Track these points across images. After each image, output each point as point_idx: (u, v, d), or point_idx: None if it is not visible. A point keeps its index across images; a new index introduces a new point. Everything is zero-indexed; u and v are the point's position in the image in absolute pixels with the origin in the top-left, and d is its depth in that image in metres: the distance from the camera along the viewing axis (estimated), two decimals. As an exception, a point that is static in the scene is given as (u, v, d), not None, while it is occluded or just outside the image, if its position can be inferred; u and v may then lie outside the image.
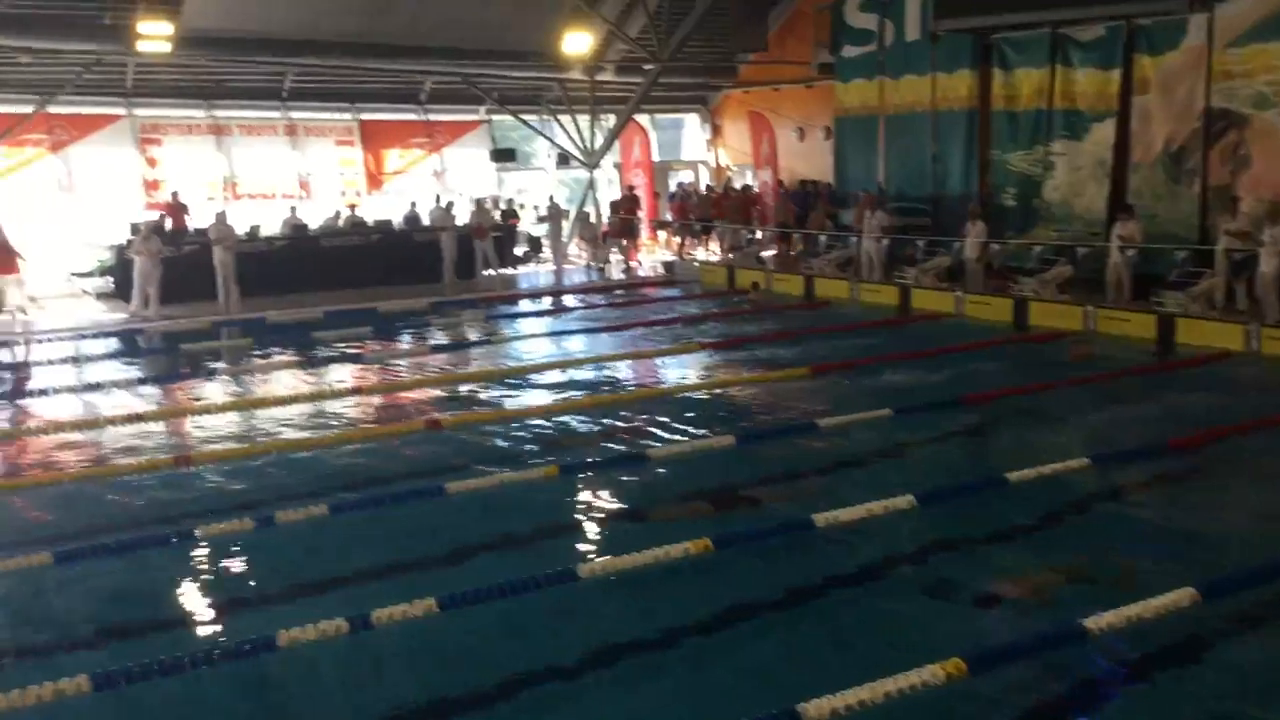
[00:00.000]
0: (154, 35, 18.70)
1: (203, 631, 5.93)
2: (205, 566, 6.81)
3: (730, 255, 23.11)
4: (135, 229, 18.68)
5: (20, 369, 14.13)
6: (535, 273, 23.68)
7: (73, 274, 21.30)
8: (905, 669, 4.80)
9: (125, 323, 17.54)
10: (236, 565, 6.81)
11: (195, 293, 18.44)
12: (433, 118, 25.67)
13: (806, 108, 24.90)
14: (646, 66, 23.38)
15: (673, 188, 27.81)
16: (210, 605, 6.24)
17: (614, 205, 25.36)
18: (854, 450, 9.31)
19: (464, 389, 12.06)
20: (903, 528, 7.14)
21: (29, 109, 20.06)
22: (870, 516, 7.10)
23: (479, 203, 22.62)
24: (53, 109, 20.65)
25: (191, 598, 6.41)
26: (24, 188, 21.25)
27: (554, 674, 5.28)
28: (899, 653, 5.14)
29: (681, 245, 25.14)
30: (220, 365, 13.95)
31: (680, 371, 12.84)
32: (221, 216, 19.25)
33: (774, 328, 15.83)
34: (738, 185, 26.10)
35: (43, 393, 12.15)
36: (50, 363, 14.27)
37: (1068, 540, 7.14)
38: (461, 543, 7.08)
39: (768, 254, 22.65)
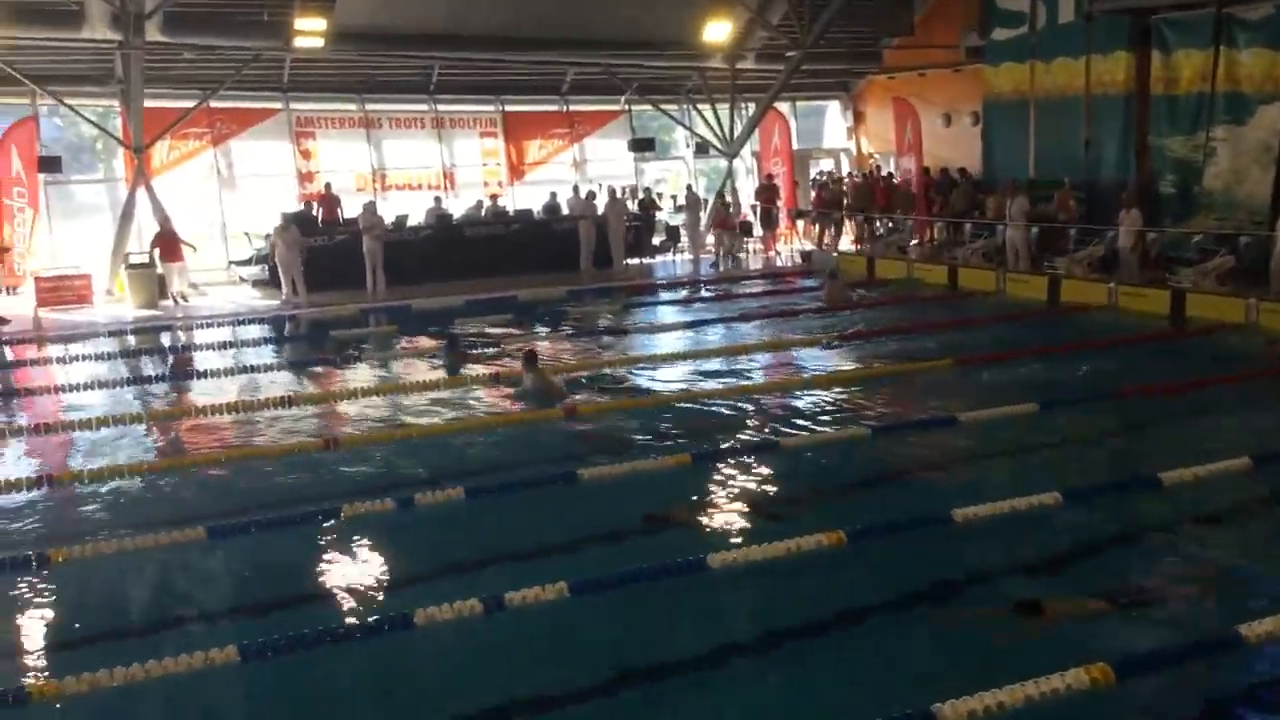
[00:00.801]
0: (309, 31, 19.37)
1: (345, 607, 6.09)
2: (349, 545, 6.98)
3: (870, 245, 22.69)
4: (284, 219, 19.48)
5: (179, 352, 14.86)
6: (672, 261, 23.68)
7: (231, 262, 22.27)
8: (1048, 672, 4.62)
9: (277, 309, 18.25)
10: (378, 545, 6.97)
11: (346, 280, 19.09)
12: (573, 108, 25.91)
13: (953, 93, 24.22)
14: (788, 54, 23.09)
15: (813, 176, 27.45)
16: (351, 583, 6.40)
17: (755, 193, 25.20)
18: (996, 445, 9.02)
19: (597, 374, 12.15)
20: (1047, 524, 6.88)
21: (191, 104, 20.98)
22: (1013, 513, 6.87)
23: (612, 193, 22.77)
24: (214, 103, 21.56)
25: (334, 574, 6.59)
26: (187, 179, 22.29)
27: (684, 664, 5.26)
28: (1041, 655, 4.95)
29: (821, 235, 24.80)
30: (367, 350, 14.36)
31: (814, 362, 12.64)
32: (370, 207, 19.91)
33: (916, 319, 15.46)
34: (880, 173, 25.59)
35: (200, 375, 12.74)
36: (206, 347, 14.94)
37: (1223, 543, 6.77)
38: (594, 528, 7.12)
39: (911, 244, 22.14)
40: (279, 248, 18.76)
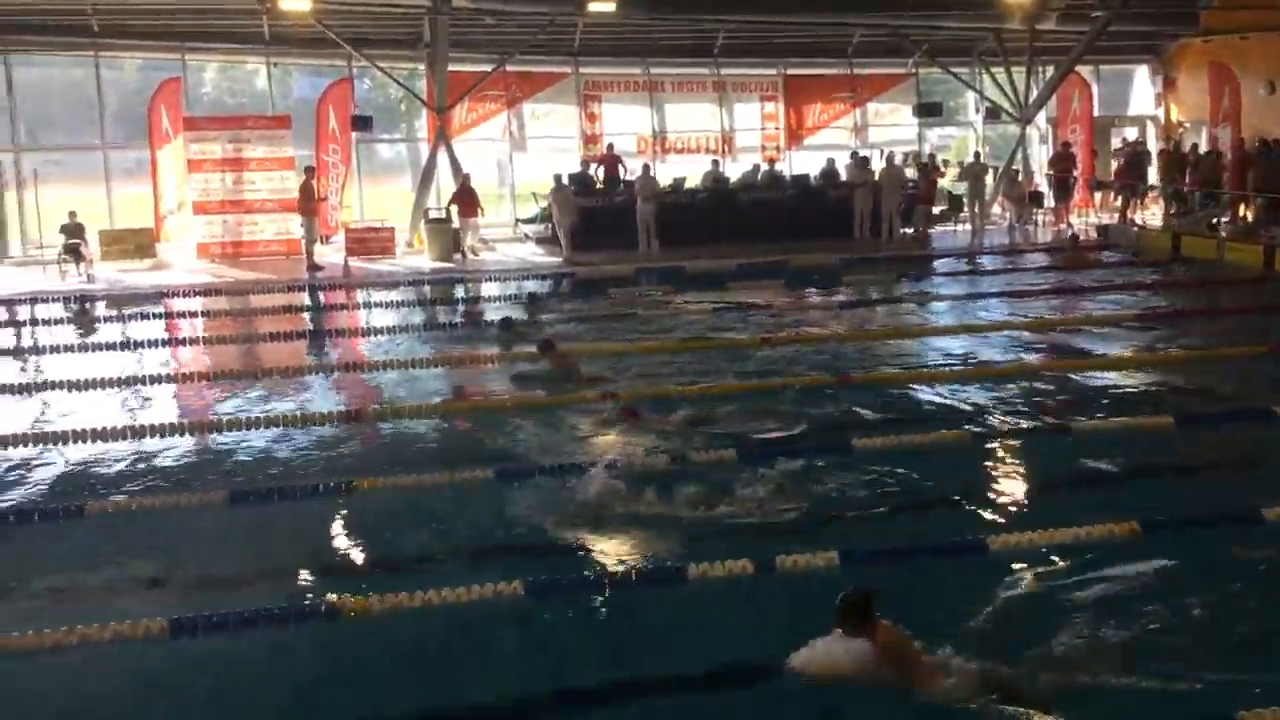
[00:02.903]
0: (602, -5, 19.80)
1: (618, 551, 6.25)
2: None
3: (1179, 221, 21.01)
4: (557, 180, 20.20)
5: (469, 303, 15.71)
6: (953, 232, 22.83)
7: (518, 220, 23.30)
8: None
9: (557, 266, 18.94)
10: (647, 499, 7.06)
11: (617, 240, 19.59)
12: (857, 71, 25.34)
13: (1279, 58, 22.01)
14: (1094, 14, 21.65)
15: (1115, 145, 25.68)
16: (620, 532, 6.53)
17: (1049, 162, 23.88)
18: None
19: (871, 346, 11.90)
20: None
21: (489, 67, 21.98)
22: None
23: (890, 159, 22.14)
24: (509, 67, 22.50)
25: (592, 522, 6.71)
26: (481, 141, 23.44)
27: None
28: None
29: (1125, 208, 23.19)
30: (639, 308, 14.64)
31: (1108, 343, 11.82)
32: (645, 170, 20.32)
33: (1225, 303, 14.23)
34: (1190, 144, 23.64)
35: (486, 324, 13.39)
36: (488, 299, 15.73)
37: None
38: (866, 499, 6.98)
39: (1222, 221, 20.37)
40: (554, 208, 19.53)
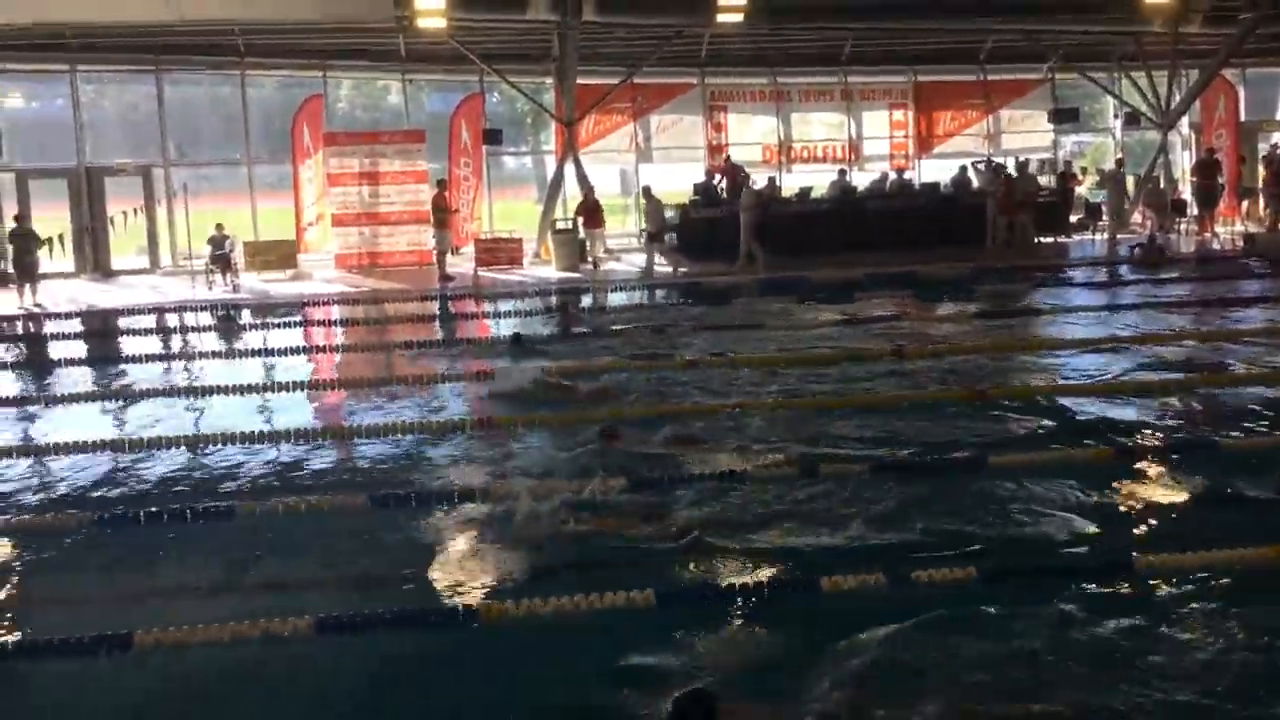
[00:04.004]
0: (731, 7, 19.84)
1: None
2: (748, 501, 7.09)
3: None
4: (646, 191, 20.31)
5: (595, 311, 15.91)
6: (1091, 241, 22.13)
7: (643, 230, 23.41)
8: None
9: (680, 276, 19.00)
10: (782, 508, 7.04)
11: (732, 251, 19.49)
12: (990, 77, 24.81)
13: None
14: (1241, 16, 20.76)
15: (1263, 151, 24.56)
16: (753, 544, 6.51)
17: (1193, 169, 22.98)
18: None
19: (1006, 359, 11.60)
20: None
21: (616, 80, 22.22)
22: None
23: (1022, 167, 21.56)
24: (636, 79, 22.70)
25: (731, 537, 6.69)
26: (607, 152, 23.69)
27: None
28: None
29: (1275, 218, 22.14)
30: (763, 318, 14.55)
31: (1257, 357, 11.29)
32: (744, 180, 20.15)
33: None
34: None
35: (611, 332, 13.54)
36: (619, 307, 15.88)
37: None
38: (1003, 517, 6.81)
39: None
40: (646, 218, 19.71)
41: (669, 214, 21.89)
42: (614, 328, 13.98)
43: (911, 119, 24.71)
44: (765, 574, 6.01)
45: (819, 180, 22.71)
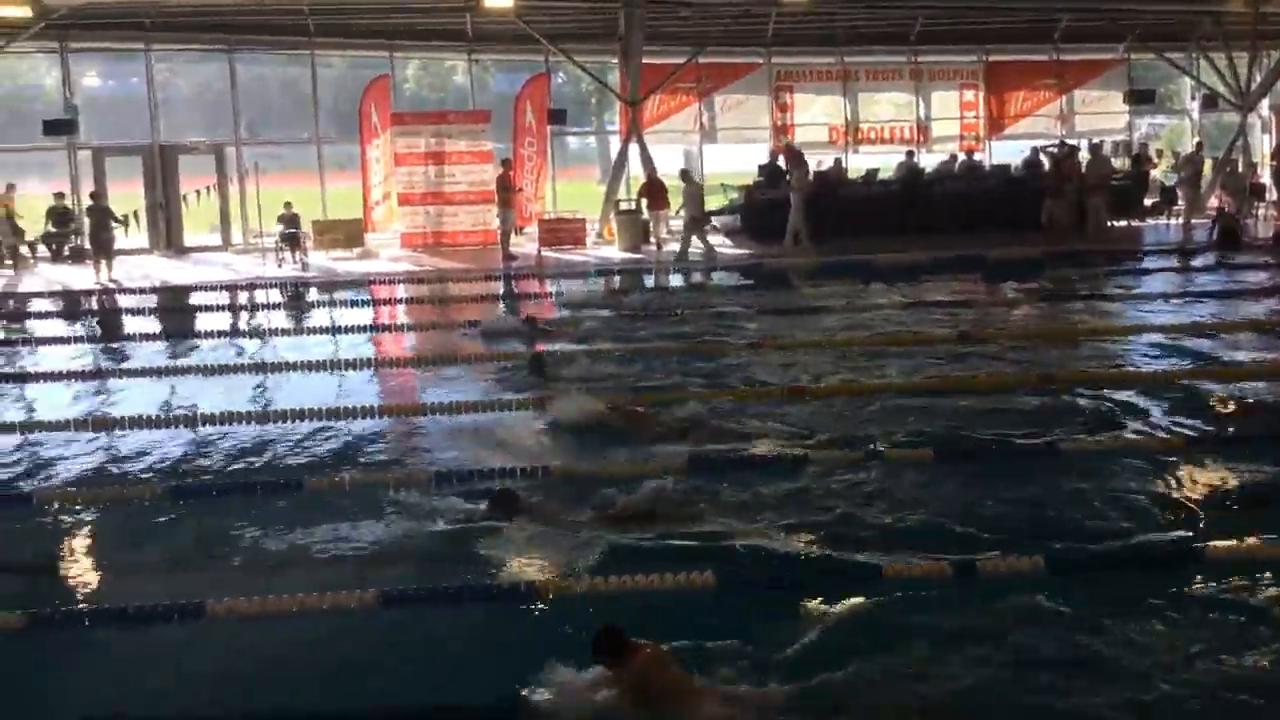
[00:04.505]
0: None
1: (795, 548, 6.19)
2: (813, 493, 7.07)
3: None
4: (684, 174, 20.24)
5: (659, 292, 15.99)
6: (1165, 226, 21.61)
7: (707, 211, 23.34)
8: None
9: (743, 257, 18.92)
10: (844, 498, 6.98)
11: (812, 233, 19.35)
12: (1064, 57, 24.30)
13: None
14: (1329, -9, 20.14)
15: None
16: (811, 531, 6.47)
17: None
18: None
19: (1073, 345, 11.40)
20: None
21: (681, 59, 22.10)
22: None
23: (1095, 149, 21.09)
24: (701, 59, 22.56)
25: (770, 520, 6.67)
26: (670, 132, 23.61)
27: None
28: None
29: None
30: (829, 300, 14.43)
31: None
32: (796, 161, 19.88)
33: None
34: None
35: (673, 313, 13.57)
36: (681, 288, 15.85)
37: None
38: (1075, 504, 6.68)
39: None
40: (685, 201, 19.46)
41: (733, 195, 21.82)
42: (677, 311, 13.94)
43: (982, 99, 24.30)
44: (828, 559, 5.98)
45: (885, 162, 22.44)
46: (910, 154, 22.41)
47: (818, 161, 21.57)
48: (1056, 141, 22.57)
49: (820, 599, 5.37)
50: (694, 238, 18.91)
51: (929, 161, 22.65)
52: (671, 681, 4.36)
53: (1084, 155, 21.00)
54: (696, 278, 17.41)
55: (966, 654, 4.82)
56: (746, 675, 4.66)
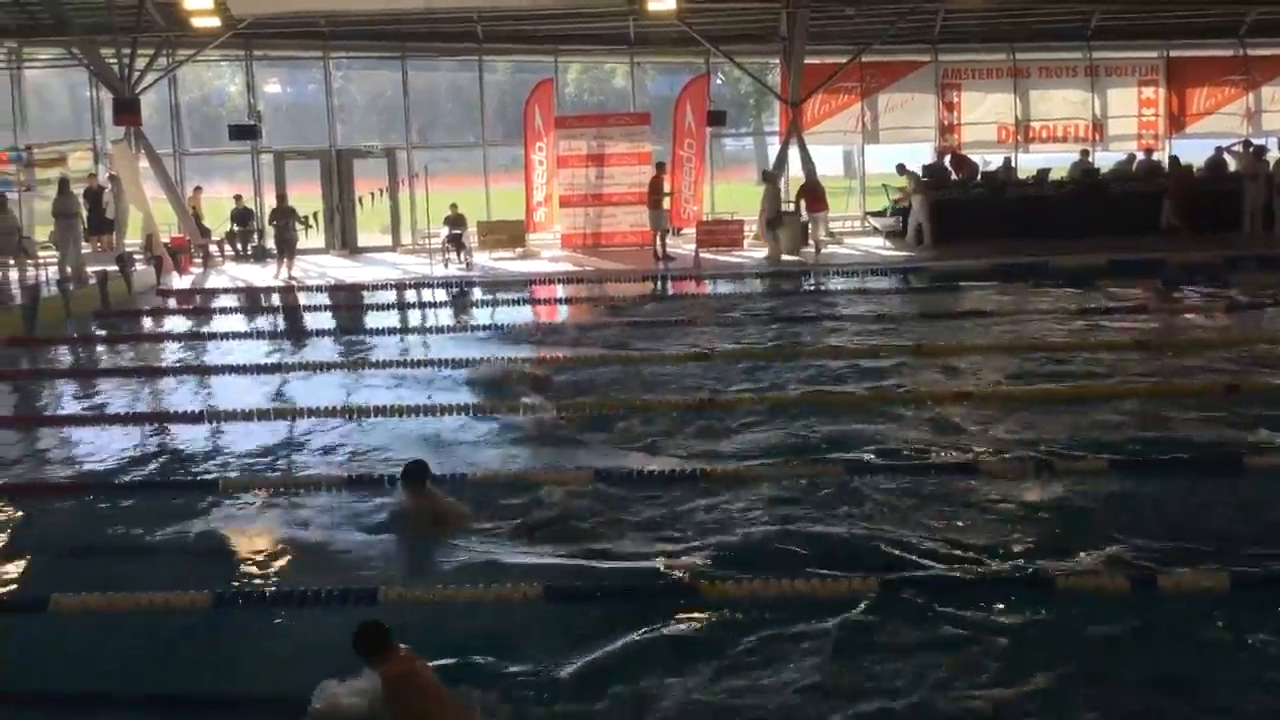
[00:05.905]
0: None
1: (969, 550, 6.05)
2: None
3: None
4: (764, 175, 19.92)
5: (816, 294, 15.88)
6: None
7: (867, 213, 23.00)
8: None
9: (904, 260, 18.54)
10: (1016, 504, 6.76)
11: (978, 233, 18.86)
12: (1252, 53, 22.97)
13: None
14: None
15: None
16: (977, 533, 6.28)
17: None
18: None
19: (1261, 352, 10.74)
20: None
21: (844, 59, 21.77)
22: None
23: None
24: (864, 58, 22.19)
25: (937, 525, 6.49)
26: (831, 133, 23.29)
27: None
28: None
29: None
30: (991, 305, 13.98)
31: None
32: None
33: None
34: None
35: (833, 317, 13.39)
36: (843, 292, 15.69)
37: None
38: (1261, 523, 6.30)
39: None
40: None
41: (893, 197, 21.44)
42: (843, 312, 13.79)
43: (1162, 97, 23.17)
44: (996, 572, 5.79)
45: (1058, 162, 21.64)
46: (1085, 153, 21.57)
47: (985, 161, 20.98)
48: (1241, 140, 21.36)
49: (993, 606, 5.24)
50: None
51: (1104, 161, 21.73)
52: (421, 692, 4.38)
53: (1273, 154, 19.82)
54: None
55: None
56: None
